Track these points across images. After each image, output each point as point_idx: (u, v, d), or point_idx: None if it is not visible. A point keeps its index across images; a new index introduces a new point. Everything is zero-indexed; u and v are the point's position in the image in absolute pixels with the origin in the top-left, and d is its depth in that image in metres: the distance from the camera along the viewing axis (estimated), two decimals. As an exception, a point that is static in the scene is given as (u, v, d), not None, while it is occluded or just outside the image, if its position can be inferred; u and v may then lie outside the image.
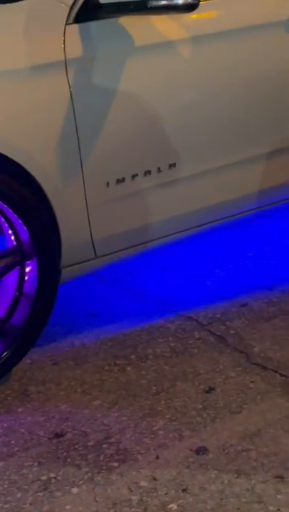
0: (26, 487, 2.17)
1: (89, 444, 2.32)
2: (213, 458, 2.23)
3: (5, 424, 2.42)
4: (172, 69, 2.67)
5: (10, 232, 2.48)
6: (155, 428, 2.37)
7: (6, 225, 2.47)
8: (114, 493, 2.12)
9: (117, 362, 2.73)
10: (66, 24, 2.46)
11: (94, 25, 2.50)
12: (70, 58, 2.44)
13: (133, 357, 2.75)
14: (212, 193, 2.90)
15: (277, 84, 2.92)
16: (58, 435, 2.37)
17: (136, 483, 2.15)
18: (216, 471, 2.18)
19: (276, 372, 2.62)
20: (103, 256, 2.71)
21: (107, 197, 2.62)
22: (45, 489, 2.15)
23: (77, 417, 2.45)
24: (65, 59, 2.43)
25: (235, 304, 3.07)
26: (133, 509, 2.06)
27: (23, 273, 2.53)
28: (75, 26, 2.47)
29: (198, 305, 3.07)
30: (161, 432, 2.35)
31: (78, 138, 2.48)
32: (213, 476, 2.16)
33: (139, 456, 2.25)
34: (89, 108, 2.50)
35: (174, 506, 2.07)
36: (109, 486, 2.15)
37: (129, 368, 2.69)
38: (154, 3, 2.43)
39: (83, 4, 2.47)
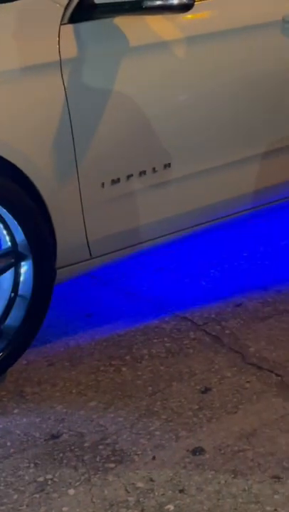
0: (23, 489, 2.16)
1: (85, 445, 2.32)
2: (210, 458, 2.23)
3: (0, 426, 2.42)
4: (167, 69, 2.67)
5: (5, 232, 2.48)
6: (151, 429, 2.37)
7: (1, 225, 2.47)
8: (111, 494, 2.12)
9: (113, 362, 2.73)
10: (61, 24, 2.45)
11: (89, 26, 2.49)
12: (65, 59, 2.44)
13: (128, 357, 2.75)
14: (207, 194, 2.90)
15: (273, 84, 2.93)
16: (54, 436, 2.37)
17: (133, 484, 2.15)
18: (213, 472, 2.18)
19: (272, 372, 2.62)
20: (98, 256, 2.71)
21: (102, 197, 2.62)
22: (42, 491, 2.15)
23: (73, 417, 2.44)
24: (60, 59, 2.43)
25: (230, 304, 3.07)
26: (130, 510, 2.06)
27: (18, 274, 2.53)
28: (70, 26, 2.47)
29: (193, 305, 3.07)
30: (157, 433, 2.35)
31: (73, 138, 2.48)
32: (209, 476, 2.16)
33: (136, 457, 2.25)
34: (84, 108, 2.49)
35: (170, 507, 2.06)
36: (106, 487, 2.14)
37: (124, 369, 2.68)
38: (149, 4, 2.42)
39: (78, 4, 2.47)
